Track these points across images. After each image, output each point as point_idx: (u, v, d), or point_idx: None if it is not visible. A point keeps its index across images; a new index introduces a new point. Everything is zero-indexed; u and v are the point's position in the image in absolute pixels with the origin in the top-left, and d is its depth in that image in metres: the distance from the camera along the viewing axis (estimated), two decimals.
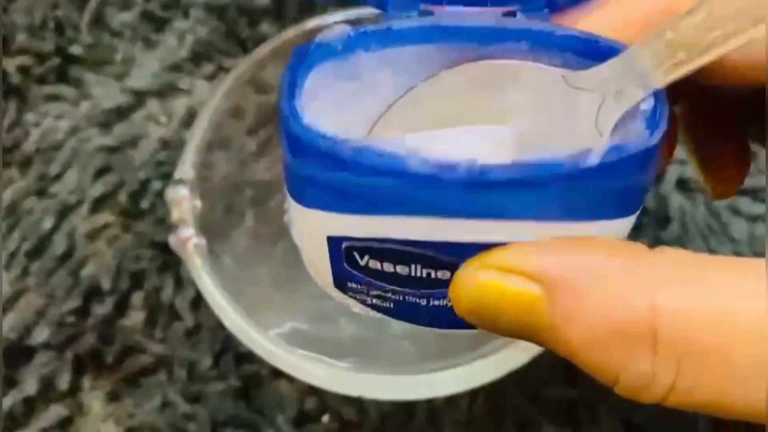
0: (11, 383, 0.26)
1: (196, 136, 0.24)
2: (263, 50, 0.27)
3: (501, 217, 0.12)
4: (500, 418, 0.26)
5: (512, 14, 0.15)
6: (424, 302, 0.14)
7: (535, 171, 0.11)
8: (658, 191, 0.29)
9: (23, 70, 0.31)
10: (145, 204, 0.29)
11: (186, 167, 0.23)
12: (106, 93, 0.31)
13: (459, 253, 0.13)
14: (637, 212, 0.13)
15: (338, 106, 0.15)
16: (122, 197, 0.29)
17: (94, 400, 0.26)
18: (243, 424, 0.25)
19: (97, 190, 0.29)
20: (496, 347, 0.23)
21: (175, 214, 0.22)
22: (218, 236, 0.25)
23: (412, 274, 0.13)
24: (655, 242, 0.28)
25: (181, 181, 0.23)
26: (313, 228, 0.14)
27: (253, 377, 0.26)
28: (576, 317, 0.11)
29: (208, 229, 0.24)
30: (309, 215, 0.13)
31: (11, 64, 0.31)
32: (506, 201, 0.12)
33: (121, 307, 0.27)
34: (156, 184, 0.29)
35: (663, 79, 0.12)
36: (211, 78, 0.32)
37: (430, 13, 0.15)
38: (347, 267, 0.14)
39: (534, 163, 0.11)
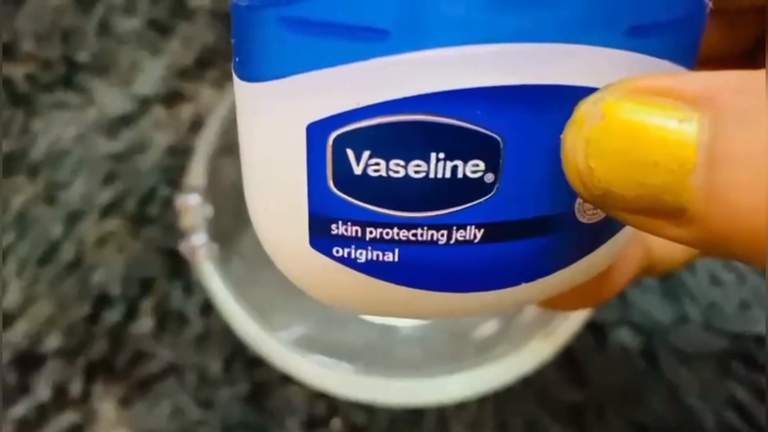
0: (23, 390, 0.26)
1: (207, 143, 0.24)
2: None
3: (573, 41, 0.09)
4: (508, 421, 0.26)
5: None
6: (443, 239, 0.10)
7: None
8: None
9: (30, 78, 0.32)
10: (152, 210, 0.29)
11: (197, 174, 0.24)
12: (112, 100, 0.31)
13: (509, 113, 0.09)
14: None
15: None
16: (130, 204, 0.29)
17: (106, 406, 0.26)
18: (253, 428, 0.26)
19: (105, 197, 0.29)
20: (505, 350, 0.24)
21: (185, 221, 0.23)
22: (227, 241, 0.25)
23: (431, 174, 0.09)
24: None
25: (192, 188, 0.23)
26: (281, 121, 0.10)
27: (263, 382, 0.26)
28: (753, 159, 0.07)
29: (217, 235, 0.24)
30: (278, 96, 0.09)
31: (18, 72, 0.32)
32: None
33: (131, 313, 0.27)
34: (163, 191, 0.29)
35: None
36: (216, 84, 0.32)
37: None
38: (333, 188, 0.10)
39: None
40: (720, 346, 0.27)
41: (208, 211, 0.23)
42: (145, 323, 0.27)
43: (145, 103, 0.31)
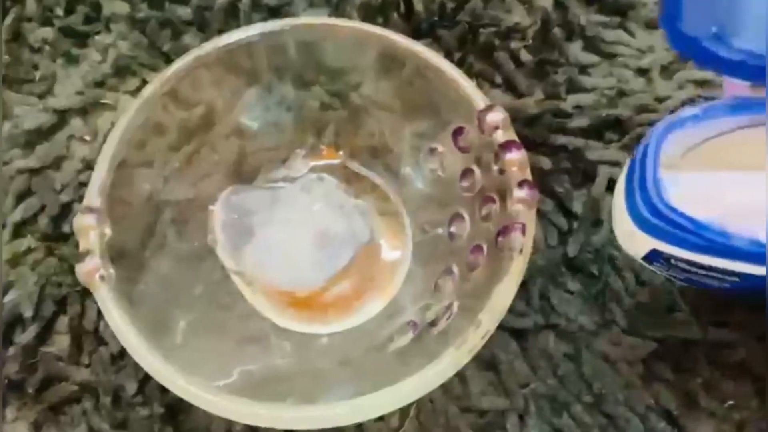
0: None
1: (107, 157, 0.23)
2: (182, 63, 0.26)
3: None
4: (431, 431, 0.25)
5: None
6: (708, 282, 0.20)
7: None
8: (590, 194, 0.29)
9: None
10: (67, 228, 0.28)
11: (92, 194, 0.23)
12: (27, 112, 0.30)
13: (740, 276, 0.18)
14: None
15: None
16: (43, 221, 0.28)
17: (18, 431, 0.25)
18: None
19: (18, 214, 0.28)
20: (422, 362, 0.23)
21: (82, 244, 0.22)
22: (135, 262, 0.24)
23: (704, 273, 0.19)
24: (586, 246, 0.28)
25: (87, 209, 0.22)
26: (644, 241, 0.19)
27: (179, 402, 0.26)
28: None
29: (123, 256, 0.23)
30: (644, 237, 0.19)
31: None
32: None
33: (45, 333, 0.27)
34: (78, 207, 0.28)
35: None
36: (136, 93, 0.31)
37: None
38: (660, 259, 0.20)
39: None
40: (645, 350, 0.26)
41: (107, 232, 0.22)
42: (59, 344, 0.27)
43: (61, 115, 0.30)
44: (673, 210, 0.18)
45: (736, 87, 0.19)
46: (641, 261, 0.21)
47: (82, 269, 0.21)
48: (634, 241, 0.20)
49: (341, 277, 0.27)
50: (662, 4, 0.19)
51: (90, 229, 0.22)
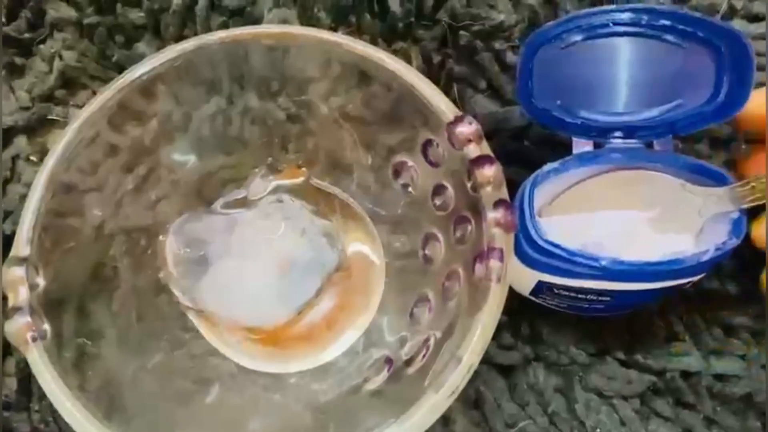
0: None
1: (37, 200, 0.21)
2: (134, 73, 0.23)
3: (640, 282, 0.21)
4: None
5: (650, 145, 0.24)
6: (586, 305, 0.23)
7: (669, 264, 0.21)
8: None
9: None
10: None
11: (21, 241, 0.20)
12: None
13: (611, 294, 0.22)
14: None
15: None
16: None
17: None
18: None
19: None
20: (401, 408, 0.21)
21: (10, 300, 0.19)
22: (76, 310, 0.22)
23: (584, 297, 0.23)
24: None
25: (15, 260, 0.20)
26: (530, 276, 0.23)
27: None
28: None
29: (61, 305, 0.21)
30: (530, 272, 0.23)
31: None
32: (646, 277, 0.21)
33: None
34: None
35: (745, 204, 0.21)
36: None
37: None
38: (545, 290, 0.23)
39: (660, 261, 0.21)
40: (643, 384, 0.24)
41: (40, 283, 0.20)
42: (6, 387, 0.24)
43: (5, 134, 0.28)
44: (550, 243, 0.21)
45: (582, 144, 0.24)
46: (529, 296, 0.24)
47: (11, 328, 0.19)
48: (522, 279, 0.23)
49: (309, 308, 0.25)
50: (518, 82, 0.23)
51: (19, 283, 0.20)
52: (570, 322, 0.25)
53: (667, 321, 0.25)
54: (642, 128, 0.23)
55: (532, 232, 0.21)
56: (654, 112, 0.23)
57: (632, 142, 0.24)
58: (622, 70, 0.23)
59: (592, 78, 0.23)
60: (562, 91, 0.23)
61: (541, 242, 0.21)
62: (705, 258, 0.21)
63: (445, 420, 0.24)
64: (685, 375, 0.24)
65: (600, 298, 0.23)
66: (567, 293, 0.23)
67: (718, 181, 0.22)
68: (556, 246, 0.21)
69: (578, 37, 0.22)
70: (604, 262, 0.21)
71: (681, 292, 0.26)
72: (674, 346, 0.25)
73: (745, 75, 0.21)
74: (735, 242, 0.21)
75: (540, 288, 0.23)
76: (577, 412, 0.24)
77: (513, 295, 0.23)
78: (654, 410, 0.24)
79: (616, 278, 0.21)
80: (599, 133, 0.24)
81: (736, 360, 0.24)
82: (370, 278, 0.26)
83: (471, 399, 0.24)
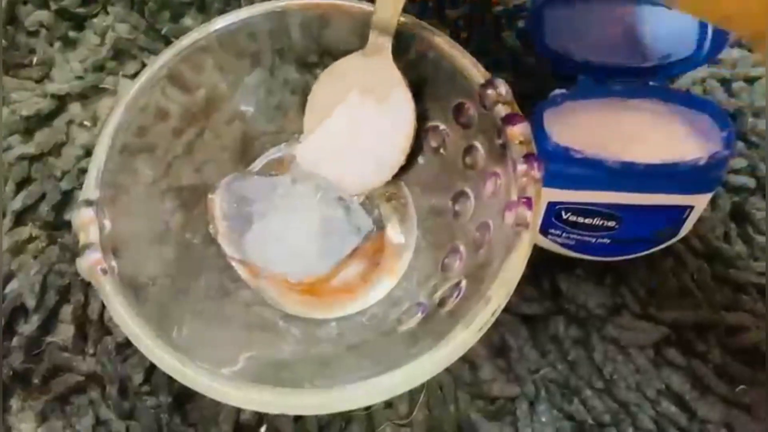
0: None
1: (102, 148, 0.23)
2: (181, 46, 0.25)
3: (643, 191, 0.24)
4: (441, 418, 0.25)
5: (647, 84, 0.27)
6: (593, 240, 0.26)
7: (668, 167, 0.23)
8: None
9: None
10: (69, 216, 0.28)
11: (90, 186, 0.22)
12: (25, 98, 0.30)
13: (618, 210, 0.24)
14: (714, 191, 0.25)
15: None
16: (44, 209, 0.28)
17: (24, 422, 0.25)
18: None
19: (19, 202, 0.28)
20: (430, 343, 0.22)
21: (82, 239, 0.21)
22: (137, 253, 0.24)
23: (591, 223, 0.25)
24: None
25: (86, 202, 0.22)
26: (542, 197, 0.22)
27: (187, 391, 0.25)
28: None
29: (125, 247, 0.23)
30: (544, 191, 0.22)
31: None
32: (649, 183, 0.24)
33: (49, 323, 0.26)
34: (79, 194, 0.28)
35: None
36: (136, 76, 0.30)
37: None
38: (554, 220, 0.25)
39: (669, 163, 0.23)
40: (656, 335, 0.26)
41: (107, 224, 0.22)
42: (63, 333, 0.26)
43: (60, 100, 0.30)
44: (559, 146, 0.24)
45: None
46: (541, 236, 0.27)
47: (83, 263, 0.21)
48: None
49: (347, 263, 0.27)
50: (532, 24, 0.27)
51: (89, 223, 0.22)
52: (588, 278, 0.27)
53: (680, 278, 0.27)
54: (640, 71, 0.27)
55: (542, 139, 0.24)
56: (648, 64, 0.27)
57: (632, 81, 0.27)
58: (619, 28, 0.27)
59: (595, 33, 0.27)
60: (569, 41, 0.27)
61: (550, 146, 0.23)
62: (701, 163, 0.23)
63: (472, 365, 0.26)
64: (697, 328, 0.26)
65: (606, 224, 0.25)
66: (575, 219, 0.25)
67: (702, 108, 0.25)
68: (566, 149, 0.24)
69: None
70: (612, 165, 0.23)
71: (692, 251, 0.28)
72: (686, 300, 0.26)
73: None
74: (727, 153, 0.24)
75: (550, 214, 0.25)
76: (596, 360, 0.26)
77: (535, 252, 0.25)
78: (667, 359, 0.26)
79: (621, 185, 0.24)
80: (604, 74, 0.27)
81: (743, 314, 0.26)
82: (402, 240, 0.28)
83: (496, 346, 0.26)
